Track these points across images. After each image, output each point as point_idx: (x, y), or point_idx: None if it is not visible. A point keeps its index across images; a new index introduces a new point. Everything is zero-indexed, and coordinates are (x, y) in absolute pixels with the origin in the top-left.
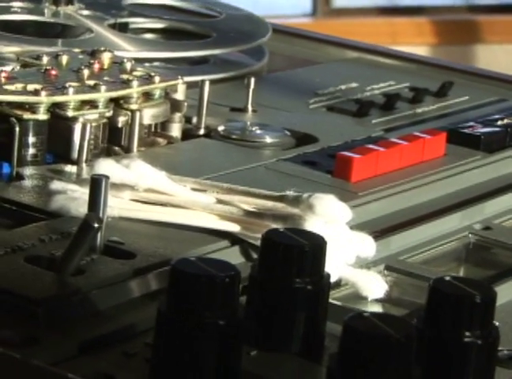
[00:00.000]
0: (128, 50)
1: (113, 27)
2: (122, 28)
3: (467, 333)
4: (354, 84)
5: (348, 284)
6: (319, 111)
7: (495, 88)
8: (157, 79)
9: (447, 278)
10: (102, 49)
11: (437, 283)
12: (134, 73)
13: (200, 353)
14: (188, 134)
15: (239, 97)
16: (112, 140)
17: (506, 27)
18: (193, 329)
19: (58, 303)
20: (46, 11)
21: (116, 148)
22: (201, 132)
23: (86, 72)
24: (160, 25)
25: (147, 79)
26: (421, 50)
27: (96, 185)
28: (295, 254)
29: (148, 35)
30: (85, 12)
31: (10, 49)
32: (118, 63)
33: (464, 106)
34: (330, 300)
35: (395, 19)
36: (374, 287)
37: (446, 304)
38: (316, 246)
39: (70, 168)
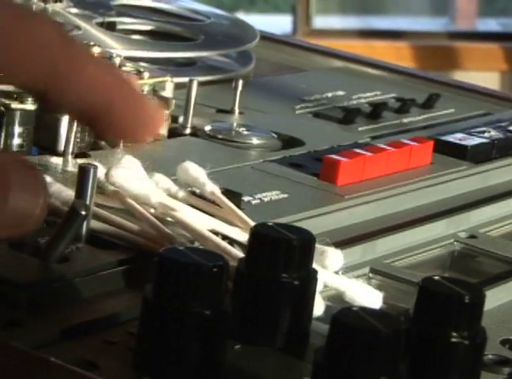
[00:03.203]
0: (115, 48)
1: (101, 25)
2: (110, 27)
3: (454, 333)
4: (340, 92)
5: None
6: (305, 117)
7: (480, 102)
8: (146, 75)
9: (436, 277)
10: (91, 44)
11: (426, 282)
12: (123, 69)
13: (184, 342)
14: (174, 133)
15: (225, 100)
16: None
17: (484, 54)
18: (179, 318)
19: (41, 289)
20: (34, 8)
21: (102, 143)
22: (188, 131)
23: None
24: (147, 27)
25: (136, 74)
26: None
27: (84, 173)
28: (283, 248)
29: (136, 36)
30: (73, 10)
31: None
32: (107, 58)
33: (450, 118)
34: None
35: (374, 42)
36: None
37: (435, 302)
38: (305, 241)
39: (56, 160)
